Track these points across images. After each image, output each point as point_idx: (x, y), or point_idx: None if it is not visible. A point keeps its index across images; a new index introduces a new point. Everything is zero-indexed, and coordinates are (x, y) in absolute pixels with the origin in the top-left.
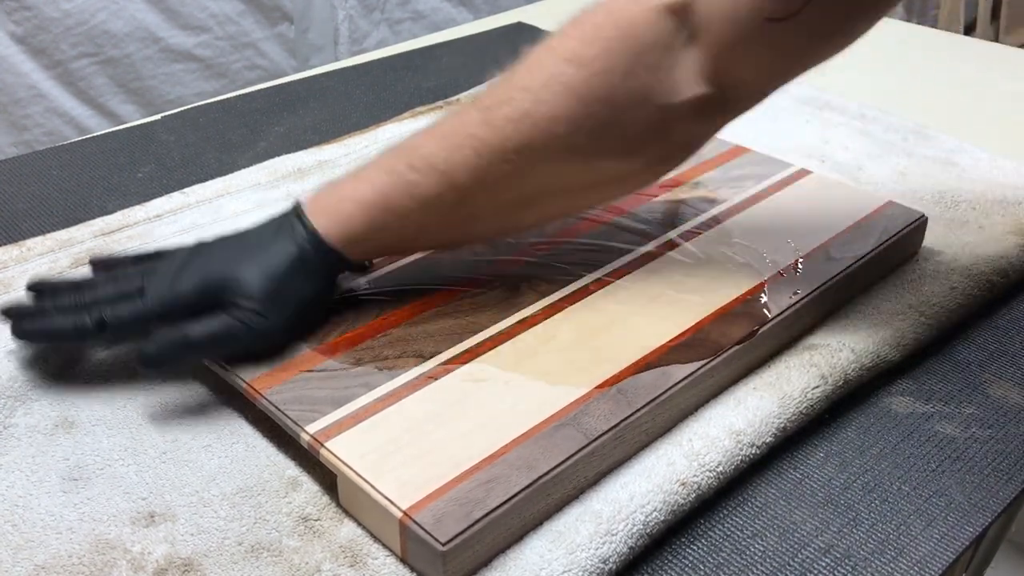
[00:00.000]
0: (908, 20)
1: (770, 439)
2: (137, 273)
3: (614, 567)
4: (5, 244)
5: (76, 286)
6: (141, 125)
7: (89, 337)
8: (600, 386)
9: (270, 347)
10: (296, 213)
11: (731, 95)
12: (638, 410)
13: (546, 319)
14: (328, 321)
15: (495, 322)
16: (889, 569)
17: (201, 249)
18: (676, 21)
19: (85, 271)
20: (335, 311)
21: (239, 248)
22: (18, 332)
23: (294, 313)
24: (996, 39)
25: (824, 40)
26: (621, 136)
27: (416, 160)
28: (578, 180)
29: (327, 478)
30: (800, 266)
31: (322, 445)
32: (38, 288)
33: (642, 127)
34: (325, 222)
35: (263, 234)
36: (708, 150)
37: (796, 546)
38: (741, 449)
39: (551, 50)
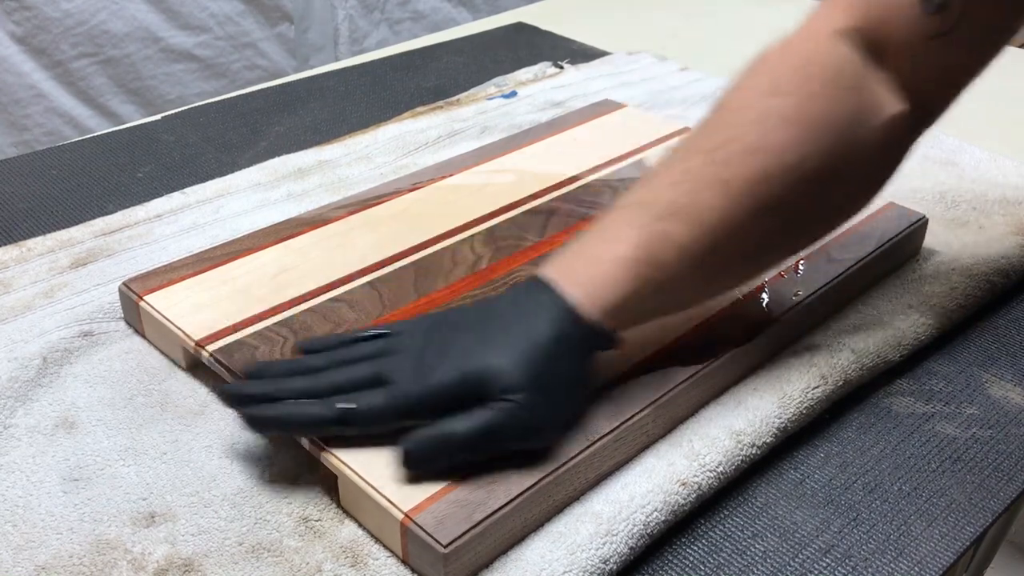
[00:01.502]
0: None
1: (770, 439)
2: (370, 358)
3: (614, 567)
4: (5, 244)
5: (305, 370)
6: (141, 125)
7: (330, 427)
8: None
9: (540, 444)
10: (543, 285)
11: (923, 108)
12: (639, 411)
13: None
14: (329, 321)
15: None
16: (889, 569)
17: (439, 330)
18: (851, 43)
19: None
20: (338, 314)
21: (485, 329)
22: (251, 420)
23: (564, 404)
24: None
25: (984, 47)
26: (850, 157)
27: (661, 210)
28: (816, 209)
29: (328, 479)
30: (801, 267)
31: (323, 446)
32: (258, 373)
33: (867, 147)
34: (580, 293)
35: (509, 312)
36: None
37: (796, 546)
38: (741, 449)
39: (747, 90)
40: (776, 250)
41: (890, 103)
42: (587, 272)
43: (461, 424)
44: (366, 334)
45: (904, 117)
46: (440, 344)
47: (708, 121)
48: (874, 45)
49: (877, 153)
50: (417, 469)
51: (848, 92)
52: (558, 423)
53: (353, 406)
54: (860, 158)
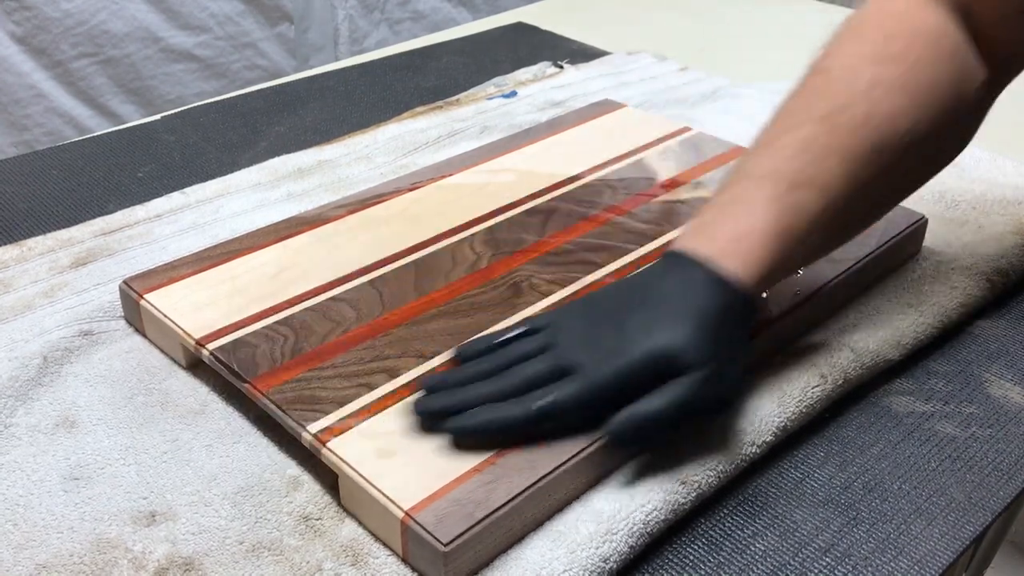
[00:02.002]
0: None
1: (770, 438)
2: (540, 352)
3: (615, 566)
4: (5, 244)
5: (482, 376)
6: (141, 125)
7: (531, 425)
8: None
9: (726, 412)
10: (694, 260)
11: (1002, 74)
12: None
13: None
14: (329, 320)
15: (496, 322)
16: (889, 568)
17: (598, 314)
18: (949, 11)
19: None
20: (338, 313)
21: (649, 307)
22: (458, 431)
23: (738, 371)
24: None
25: None
26: (953, 121)
27: (791, 181)
28: (918, 168)
29: (328, 477)
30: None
31: (324, 445)
32: (438, 386)
33: (966, 109)
34: (736, 265)
35: (668, 288)
36: (708, 150)
37: (796, 545)
38: (741, 448)
39: (851, 56)
40: (886, 206)
41: (980, 69)
42: (735, 246)
43: (658, 402)
44: (519, 331)
45: (988, 82)
46: (609, 327)
47: (812, 86)
48: (965, 10)
49: (971, 115)
50: (622, 449)
51: (950, 59)
52: (737, 390)
53: (551, 399)
54: (959, 120)
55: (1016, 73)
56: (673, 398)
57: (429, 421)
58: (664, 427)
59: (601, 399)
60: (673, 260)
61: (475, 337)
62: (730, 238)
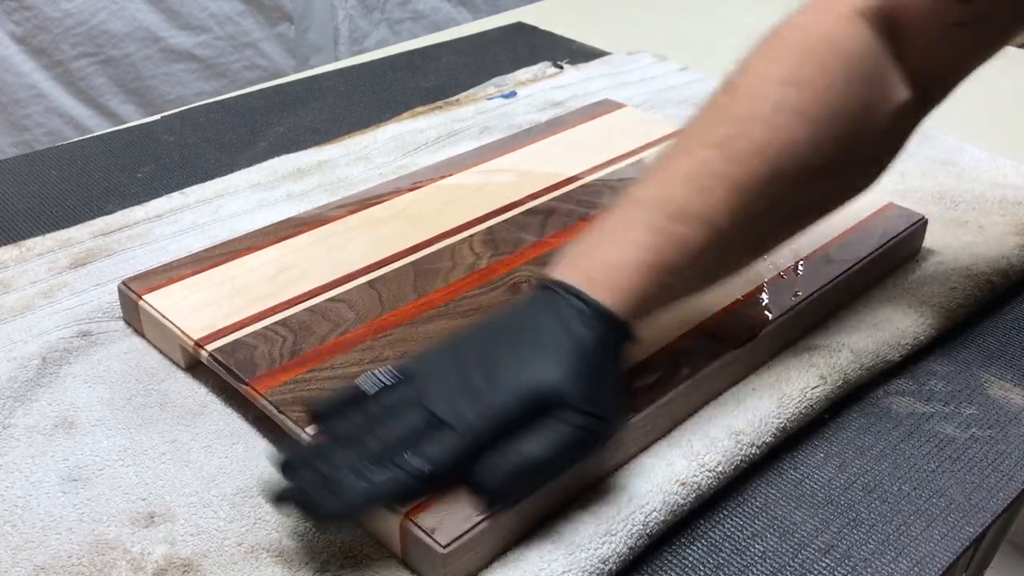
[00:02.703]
0: None
1: (770, 439)
2: (408, 405)
3: (614, 567)
4: (5, 244)
5: (345, 441)
6: (141, 125)
7: (414, 491)
8: None
9: (604, 446)
10: (566, 292)
11: (927, 94)
12: (639, 412)
13: None
14: (328, 321)
15: None
16: (889, 569)
17: (467, 354)
18: (873, 29)
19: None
20: (337, 313)
21: (520, 342)
22: (327, 510)
23: (616, 403)
24: None
25: (996, 39)
26: (859, 149)
27: (674, 211)
28: (818, 200)
29: None
30: (800, 268)
31: None
32: (297, 462)
33: (875, 136)
34: (607, 296)
35: (538, 321)
36: None
37: (796, 547)
38: (741, 449)
39: (762, 75)
40: (781, 238)
41: (900, 90)
42: (608, 277)
43: (536, 445)
44: (383, 383)
45: (909, 103)
46: (479, 368)
47: (717, 105)
48: (890, 26)
49: (884, 139)
50: (505, 505)
51: (865, 81)
52: (618, 423)
53: (427, 466)
54: (868, 146)
55: (942, 98)
56: (552, 440)
57: (303, 509)
58: (545, 471)
59: (479, 449)
60: (545, 290)
61: (336, 390)
62: (603, 267)
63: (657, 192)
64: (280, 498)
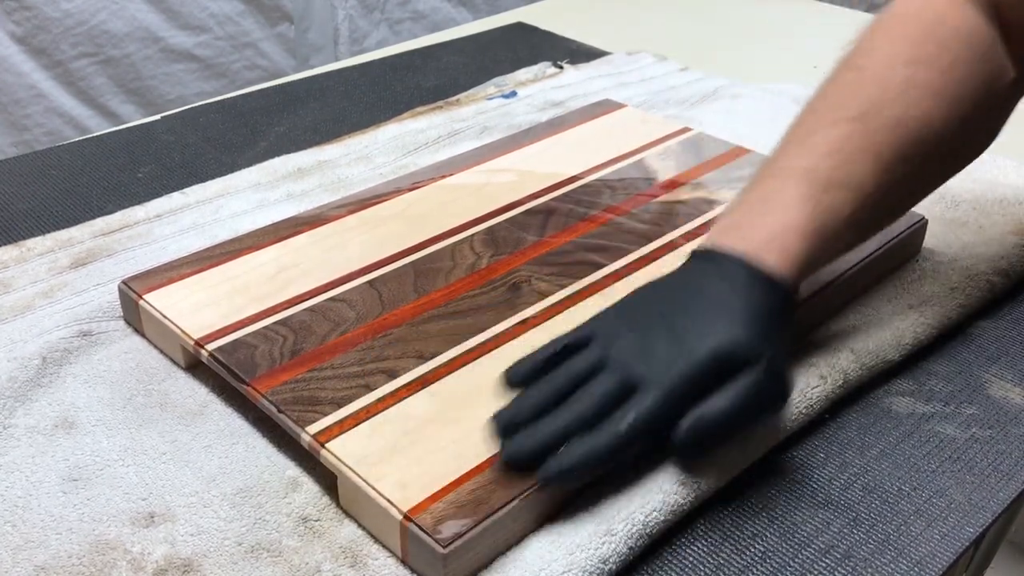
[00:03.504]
0: None
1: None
2: (596, 369)
3: (614, 567)
4: (5, 244)
5: (547, 404)
6: (141, 125)
7: (625, 450)
8: None
9: (783, 407)
10: (735, 258)
11: None
12: None
13: (547, 320)
14: (328, 321)
15: (496, 323)
16: (889, 569)
17: (645, 317)
18: (981, 11)
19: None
20: (337, 313)
21: (697, 305)
22: (559, 475)
23: (788, 365)
24: None
25: None
26: (981, 121)
27: (824, 181)
28: (948, 166)
29: (327, 479)
30: None
31: (323, 446)
32: (510, 426)
33: (993, 111)
34: (775, 262)
35: (713, 285)
36: (708, 150)
37: (796, 546)
38: (741, 448)
39: (885, 56)
40: (913, 202)
41: (1009, 68)
42: (773, 243)
43: (724, 403)
44: (564, 344)
45: (1016, 81)
46: (660, 332)
47: (846, 83)
48: (995, 9)
49: (1000, 114)
50: (694, 458)
51: (982, 60)
52: (792, 384)
53: (634, 417)
54: (988, 120)
55: None
56: (738, 397)
57: (522, 466)
58: (732, 428)
59: (676, 408)
60: (709, 259)
61: (521, 358)
62: (767, 235)
63: (804, 163)
64: (514, 458)
